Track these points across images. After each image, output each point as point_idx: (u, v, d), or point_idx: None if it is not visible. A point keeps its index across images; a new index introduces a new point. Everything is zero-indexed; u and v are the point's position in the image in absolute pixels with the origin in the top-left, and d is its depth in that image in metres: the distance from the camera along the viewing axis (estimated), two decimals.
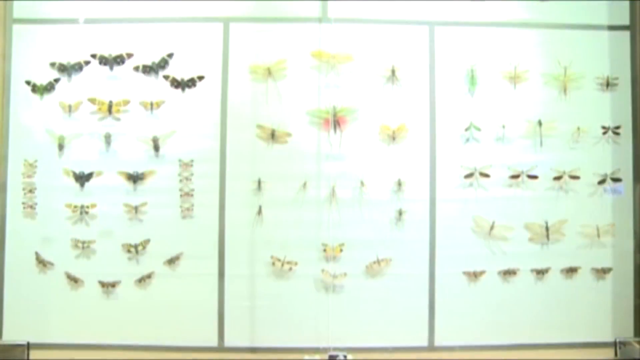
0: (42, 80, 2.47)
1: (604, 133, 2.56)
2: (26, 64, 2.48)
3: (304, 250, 2.46)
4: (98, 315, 2.44)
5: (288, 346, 2.43)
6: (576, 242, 2.53)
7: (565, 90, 2.56)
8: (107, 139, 2.46)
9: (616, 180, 2.55)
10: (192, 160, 2.47)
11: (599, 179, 2.55)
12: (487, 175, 2.52)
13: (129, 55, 2.49)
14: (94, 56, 2.48)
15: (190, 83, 2.48)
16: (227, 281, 2.45)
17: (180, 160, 2.47)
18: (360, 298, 2.47)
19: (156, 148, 2.46)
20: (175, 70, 2.50)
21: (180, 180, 2.46)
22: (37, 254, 2.44)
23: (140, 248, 2.43)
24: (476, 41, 2.56)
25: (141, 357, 2.39)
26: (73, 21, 2.50)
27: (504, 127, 2.54)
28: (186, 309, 2.44)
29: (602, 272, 2.54)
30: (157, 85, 2.50)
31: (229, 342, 2.44)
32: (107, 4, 2.51)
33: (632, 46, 2.58)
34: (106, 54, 2.48)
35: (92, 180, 2.45)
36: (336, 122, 2.49)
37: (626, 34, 2.59)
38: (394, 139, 2.51)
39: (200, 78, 2.49)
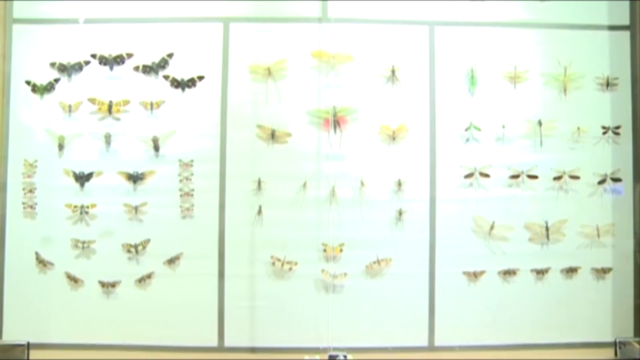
0: (42, 80, 2.47)
1: (604, 133, 2.56)
2: (26, 64, 2.48)
3: (304, 250, 2.46)
4: (98, 315, 2.44)
5: (288, 346, 2.43)
6: (576, 242, 2.53)
7: (565, 90, 2.56)
8: (107, 139, 2.46)
9: (616, 180, 2.55)
10: (192, 160, 2.46)
11: (599, 179, 2.55)
12: (487, 175, 2.52)
13: (129, 55, 2.49)
14: (94, 56, 2.48)
15: (190, 83, 2.48)
16: (227, 281, 2.45)
17: (180, 160, 2.47)
18: (360, 298, 2.47)
19: (156, 148, 2.46)
20: (175, 70, 2.50)
21: (180, 180, 2.46)
22: (37, 254, 2.44)
23: (140, 248, 2.43)
24: (476, 41, 2.56)
25: (141, 357, 2.39)
26: (73, 21, 2.50)
27: (504, 127, 2.54)
28: (186, 309, 2.44)
29: (602, 272, 2.54)
30: (157, 85, 2.49)
31: (229, 342, 2.44)
32: (107, 4, 2.50)
33: (632, 46, 2.58)
34: (106, 54, 2.48)
35: (92, 180, 2.45)
36: (336, 122, 2.49)
37: (626, 34, 2.59)
38: (394, 139, 2.51)
39: (200, 78, 2.49)
